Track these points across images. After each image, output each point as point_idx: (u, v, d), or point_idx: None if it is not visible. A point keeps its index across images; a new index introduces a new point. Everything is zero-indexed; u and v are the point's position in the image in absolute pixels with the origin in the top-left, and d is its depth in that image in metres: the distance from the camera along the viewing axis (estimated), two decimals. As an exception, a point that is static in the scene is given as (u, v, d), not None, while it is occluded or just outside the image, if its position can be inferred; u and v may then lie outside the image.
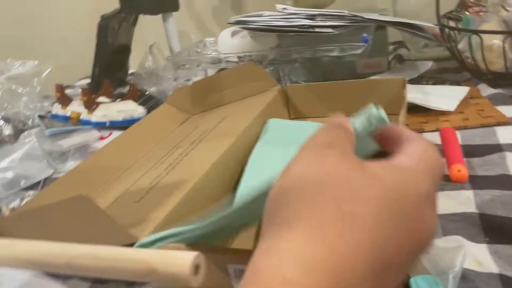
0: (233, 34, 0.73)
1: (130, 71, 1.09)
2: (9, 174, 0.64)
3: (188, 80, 0.94)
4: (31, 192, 0.62)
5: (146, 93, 0.82)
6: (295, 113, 0.70)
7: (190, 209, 0.43)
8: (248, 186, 0.47)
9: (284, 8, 0.69)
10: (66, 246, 0.25)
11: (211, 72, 0.87)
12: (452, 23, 0.76)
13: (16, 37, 1.27)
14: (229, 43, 0.72)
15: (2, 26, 1.28)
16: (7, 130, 0.80)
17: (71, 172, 0.57)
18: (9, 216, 0.43)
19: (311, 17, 0.67)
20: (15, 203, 0.60)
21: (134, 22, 1.00)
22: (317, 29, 0.65)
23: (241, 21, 0.68)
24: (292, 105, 0.70)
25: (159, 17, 0.96)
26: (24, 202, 0.59)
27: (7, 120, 0.82)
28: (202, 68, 0.77)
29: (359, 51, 0.66)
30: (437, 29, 0.73)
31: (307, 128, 0.50)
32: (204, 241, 0.31)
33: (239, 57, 0.71)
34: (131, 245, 0.36)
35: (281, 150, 0.51)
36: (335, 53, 0.67)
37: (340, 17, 0.67)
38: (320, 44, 0.67)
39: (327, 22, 0.65)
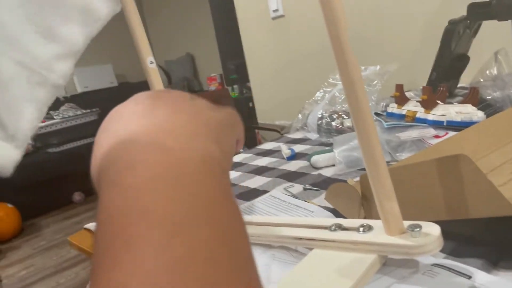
0: None
1: (460, 85, 1.06)
2: (354, 155, 0.73)
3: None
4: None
5: (488, 97, 0.78)
6: None
7: None
8: None
9: None
10: None
11: None
12: None
13: (364, 39, 1.42)
14: None
15: (356, 32, 1.45)
16: (348, 122, 0.92)
17: (415, 156, 0.60)
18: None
19: None
20: (357, 179, 0.67)
21: (476, 31, 0.97)
22: None
23: None
24: None
25: (502, 24, 0.90)
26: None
27: (347, 114, 0.94)
28: None
29: None
30: None
31: None
32: None
33: None
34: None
35: None
36: None
37: None
38: None
39: None
